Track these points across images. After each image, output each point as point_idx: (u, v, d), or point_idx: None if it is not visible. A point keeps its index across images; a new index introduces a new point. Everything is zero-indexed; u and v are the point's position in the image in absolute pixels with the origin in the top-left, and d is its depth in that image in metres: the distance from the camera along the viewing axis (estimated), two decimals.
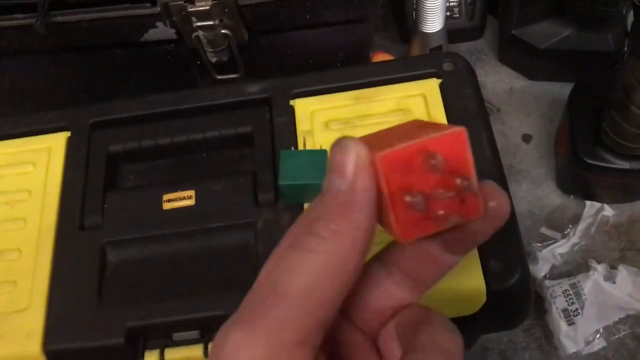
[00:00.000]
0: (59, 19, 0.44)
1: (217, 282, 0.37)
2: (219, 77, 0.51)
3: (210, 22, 0.45)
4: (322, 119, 0.42)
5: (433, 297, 0.34)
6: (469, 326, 0.37)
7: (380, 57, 0.63)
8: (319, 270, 0.18)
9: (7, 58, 0.49)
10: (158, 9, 0.44)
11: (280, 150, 0.38)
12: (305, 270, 0.18)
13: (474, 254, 0.35)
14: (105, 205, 0.40)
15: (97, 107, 0.44)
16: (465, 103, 0.41)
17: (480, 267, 0.34)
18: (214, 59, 0.48)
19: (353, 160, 0.18)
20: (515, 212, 0.38)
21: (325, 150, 0.37)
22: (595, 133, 0.52)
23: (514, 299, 0.35)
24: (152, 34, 0.46)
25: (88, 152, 0.43)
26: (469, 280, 0.34)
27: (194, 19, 0.44)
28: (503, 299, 0.35)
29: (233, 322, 0.18)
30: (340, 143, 0.18)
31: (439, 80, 0.42)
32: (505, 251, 0.35)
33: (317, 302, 0.18)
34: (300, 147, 0.40)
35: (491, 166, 0.38)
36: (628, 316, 0.50)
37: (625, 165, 0.50)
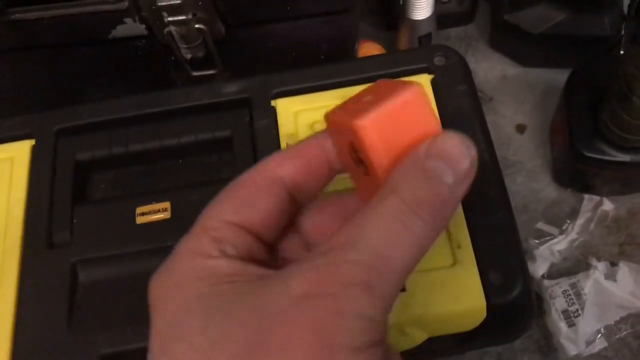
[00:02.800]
0: (17, 16, 0.40)
1: None
2: (195, 73, 0.47)
3: (183, 17, 0.41)
4: (307, 121, 0.39)
5: (430, 315, 0.32)
6: (468, 342, 0.35)
7: (367, 46, 0.59)
8: (408, 245, 0.19)
9: None
10: (125, 4, 0.40)
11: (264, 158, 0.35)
12: (403, 244, 0.18)
13: (473, 265, 0.32)
14: (75, 220, 0.37)
15: (62, 112, 0.41)
16: (459, 100, 0.38)
17: (479, 281, 0.32)
18: (188, 55, 0.45)
19: (470, 162, 0.19)
20: (515, 217, 0.35)
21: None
22: (593, 124, 0.49)
23: (516, 312, 0.33)
24: (120, 31, 0.43)
25: (54, 162, 0.39)
26: (468, 296, 0.32)
27: (164, 13, 0.41)
28: (504, 313, 0.33)
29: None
30: (460, 138, 0.19)
31: (431, 76, 0.39)
32: (505, 261, 0.33)
33: (396, 268, 0.18)
34: None
35: (489, 169, 0.36)
36: (629, 315, 0.48)
37: (625, 158, 0.48)
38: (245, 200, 0.22)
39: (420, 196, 0.19)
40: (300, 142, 0.24)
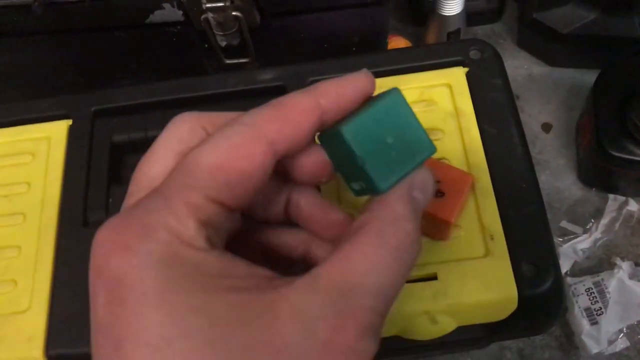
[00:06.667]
0: None
1: None
2: (228, 61, 0.48)
3: (221, 4, 0.42)
4: None
5: (462, 304, 0.32)
6: (497, 332, 0.35)
7: (396, 40, 0.60)
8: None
9: (2, 40, 0.46)
10: None
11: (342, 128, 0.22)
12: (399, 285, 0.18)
13: (505, 256, 0.33)
14: (110, 200, 0.38)
15: (99, 93, 0.42)
16: (493, 94, 0.38)
17: (511, 272, 0.32)
18: (223, 43, 0.46)
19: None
20: (546, 210, 0.36)
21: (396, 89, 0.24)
22: (621, 124, 0.49)
23: (546, 305, 0.33)
24: (157, 16, 0.43)
25: (91, 142, 0.40)
26: (500, 286, 0.32)
27: (203, 0, 0.42)
28: (535, 305, 0.33)
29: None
30: None
31: (466, 69, 0.39)
32: (537, 253, 0.33)
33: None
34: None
35: (522, 162, 0.36)
36: None
37: None
38: (235, 174, 0.19)
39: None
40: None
